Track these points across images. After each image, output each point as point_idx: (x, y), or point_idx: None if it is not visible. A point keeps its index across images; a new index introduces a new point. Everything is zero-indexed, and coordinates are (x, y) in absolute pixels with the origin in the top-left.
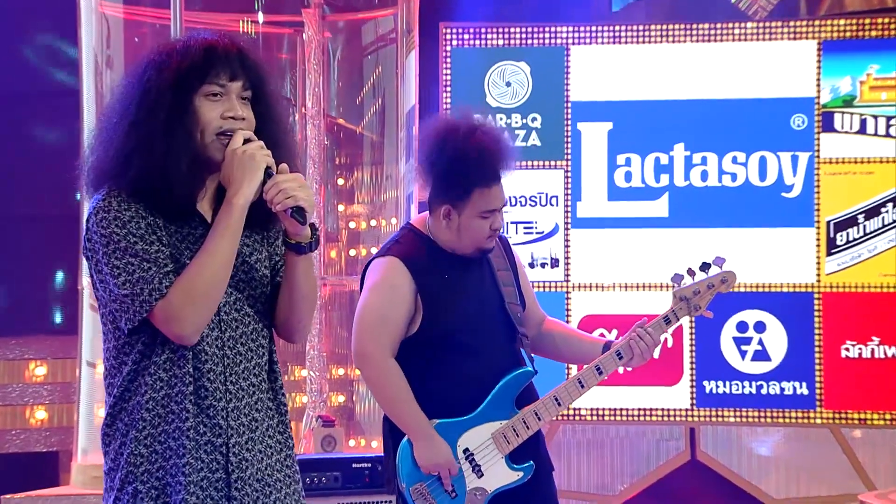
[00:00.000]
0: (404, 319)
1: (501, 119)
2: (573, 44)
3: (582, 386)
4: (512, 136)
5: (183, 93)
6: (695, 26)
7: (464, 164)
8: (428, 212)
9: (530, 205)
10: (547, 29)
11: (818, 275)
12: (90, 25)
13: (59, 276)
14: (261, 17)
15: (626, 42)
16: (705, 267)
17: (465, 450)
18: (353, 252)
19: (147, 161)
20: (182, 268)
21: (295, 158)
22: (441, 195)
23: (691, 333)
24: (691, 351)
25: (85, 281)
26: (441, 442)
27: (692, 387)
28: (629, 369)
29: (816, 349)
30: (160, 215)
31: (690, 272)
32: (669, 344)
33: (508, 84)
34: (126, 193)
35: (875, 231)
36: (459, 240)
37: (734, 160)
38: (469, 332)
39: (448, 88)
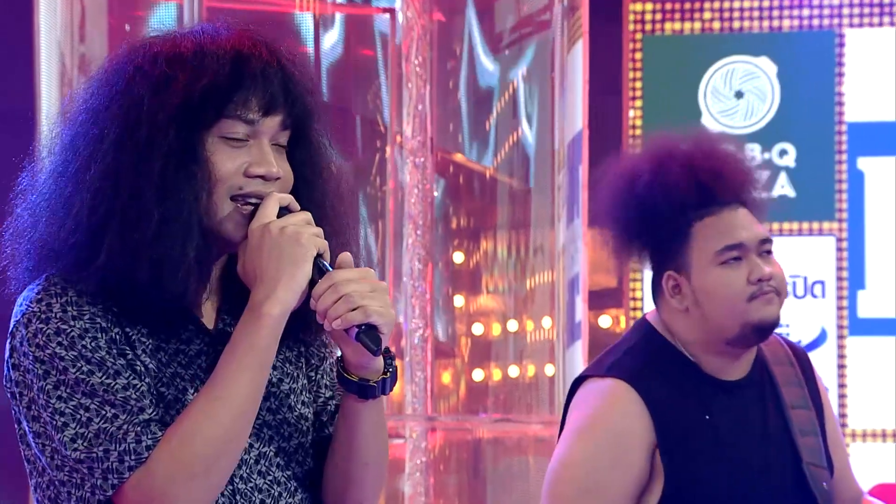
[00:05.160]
0: (632, 490)
1: (753, 156)
2: (850, 26)
3: None
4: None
5: (191, 129)
6: None
7: (668, 189)
8: (653, 298)
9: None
10: (805, 3)
11: None
12: (52, 6)
13: None
14: None
15: None
16: None
17: None
18: (479, 374)
19: (130, 238)
20: (171, 410)
21: (356, 244)
22: (653, 260)
23: None
24: None
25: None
26: None
27: None
28: None
29: None
30: (133, 323)
31: None
32: None
33: (739, 94)
34: (76, 289)
35: None
36: (706, 321)
37: None
38: None
39: (637, 102)
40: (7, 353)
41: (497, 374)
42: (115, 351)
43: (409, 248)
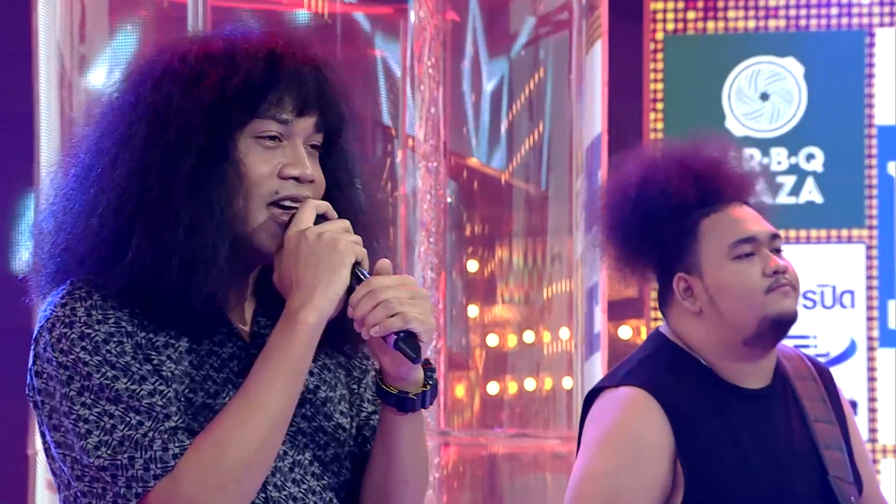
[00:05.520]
0: (656, 500)
1: (752, 157)
2: (880, 25)
3: None
4: (769, 178)
5: (223, 128)
6: None
7: (667, 189)
8: (661, 310)
9: (806, 306)
10: (833, 1)
11: None
12: (52, 6)
13: None
14: None
15: None
16: None
17: None
18: (494, 388)
19: (159, 237)
20: (200, 415)
21: (389, 251)
22: (660, 265)
23: None
24: None
25: (38, 443)
26: None
27: None
28: None
29: None
30: (161, 327)
31: None
32: None
33: (765, 96)
34: (101, 293)
35: None
36: (722, 320)
37: None
38: None
39: (658, 104)
40: (30, 361)
41: (513, 388)
42: (140, 356)
43: (421, 256)
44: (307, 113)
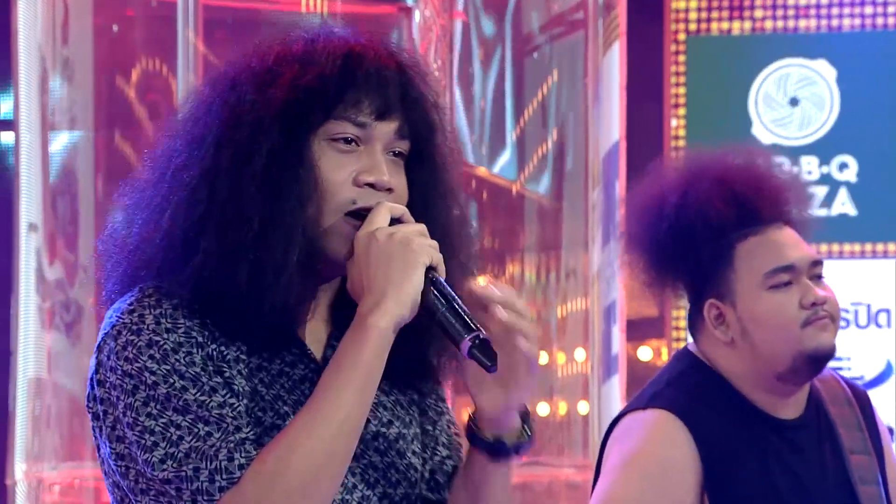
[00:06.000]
0: None
1: (798, 169)
2: None
3: None
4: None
5: (297, 129)
6: None
7: (704, 207)
8: (690, 332)
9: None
10: (867, 0)
11: None
12: (33, 5)
13: None
14: None
15: None
16: None
17: None
18: None
19: (228, 240)
20: (267, 436)
21: (473, 261)
22: (691, 288)
23: None
24: None
25: (18, 472)
26: None
27: None
28: None
29: None
30: (232, 340)
31: None
32: None
33: (795, 101)
34: (171, 302)
35: None
36: (755, 352)
37: None
38: None
39: (680, 110)
40: (92, 370)
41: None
42: (210, 368)
43: None
44: (388, 117)
